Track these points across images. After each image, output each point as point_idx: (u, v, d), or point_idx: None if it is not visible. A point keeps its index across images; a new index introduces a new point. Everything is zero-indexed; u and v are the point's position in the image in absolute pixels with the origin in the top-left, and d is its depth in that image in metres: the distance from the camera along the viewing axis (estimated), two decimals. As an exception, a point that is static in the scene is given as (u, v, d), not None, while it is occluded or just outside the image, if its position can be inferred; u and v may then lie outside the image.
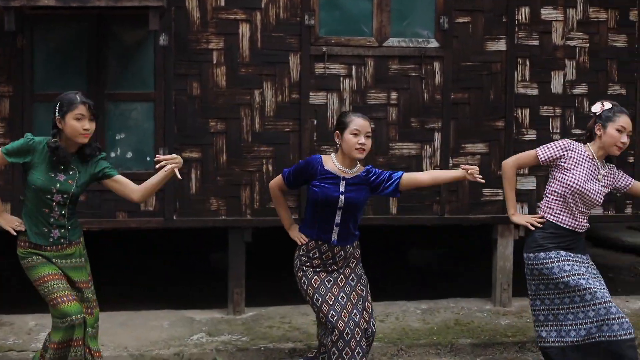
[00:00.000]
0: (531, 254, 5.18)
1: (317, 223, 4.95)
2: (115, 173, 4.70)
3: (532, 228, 5.20)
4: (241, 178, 6.37)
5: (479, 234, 10.35)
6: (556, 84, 6.76)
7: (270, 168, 6.39)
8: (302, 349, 5.81)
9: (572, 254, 5.15)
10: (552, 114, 6.77)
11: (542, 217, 5.19)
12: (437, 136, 6.61)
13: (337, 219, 4.89)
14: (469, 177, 4.86)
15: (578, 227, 5.17)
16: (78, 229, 4.73)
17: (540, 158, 5.18)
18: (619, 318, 4.97)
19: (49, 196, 4.52)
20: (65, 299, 4.51)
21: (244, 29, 6.31)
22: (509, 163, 5.29)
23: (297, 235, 5.05)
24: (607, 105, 5.18)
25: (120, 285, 7.69)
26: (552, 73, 6.74)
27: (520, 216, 5.40)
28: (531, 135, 6.75)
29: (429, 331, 6.23)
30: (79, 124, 4.47)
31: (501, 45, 6.66)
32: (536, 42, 6.72)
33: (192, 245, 9.20)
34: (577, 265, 5.12)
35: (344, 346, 4.72)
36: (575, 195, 5.11)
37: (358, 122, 4.82)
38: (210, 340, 5.91)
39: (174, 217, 6.31)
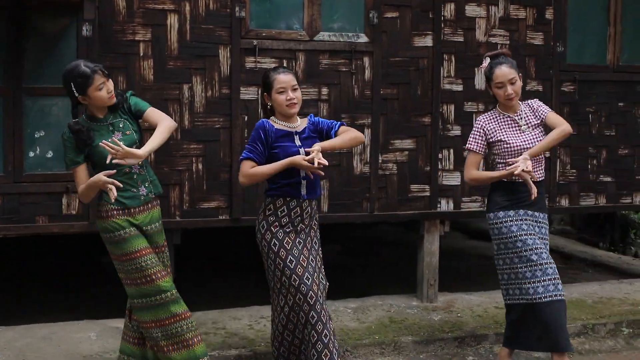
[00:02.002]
0: (491, 214, 5.30)
1: (284, 182, 4.77)
2: (146, 107, 4.67)
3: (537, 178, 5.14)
4: (170, 178, 6.02)
5: (363, 231, 10.48)
6: (479, 80, 6.82)
7: (200, 167, 6.08)
8: (248, 356, 5.57)
9: (530, 212, 5.24)
10: (476, 110, 6.84)
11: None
12: (367, 132, 6.51)
13: (302, 172, 4.74)
14: None
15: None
16: (157, 180, 4.75)
17: (476, 150, 5.26)
18: (558, 278, 5.18)
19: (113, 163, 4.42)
20: (160, 274, 4.53)
21: (172, 20, 5.95)
22: (471, 174, 5.31)
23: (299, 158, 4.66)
24: (486, 61, 5.35)
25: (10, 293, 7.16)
26: (476, 69, 6.79)
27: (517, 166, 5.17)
28: (456, 130, 6.79)
29: (368, 330, 6.14)
30: (103, 93, 4.44)
31: (428, 41, 6.65)
32: (461, 39, 6.76)
33: (84, 248, 8.72)
34: (532, 225, 5.23)
35: (309, 310, 4.65)
36: (513, 153, 5.20)
37: (281, 79, 4.76)
38: (148, 351, 5.56)
39: (99, 221, 5.89)
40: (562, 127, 5.23)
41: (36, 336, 5.73)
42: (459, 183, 6.82)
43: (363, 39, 6.46)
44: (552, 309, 5.15)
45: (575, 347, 6.26)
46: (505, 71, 5.20)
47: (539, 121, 5.33)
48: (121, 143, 4.34)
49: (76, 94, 4.46)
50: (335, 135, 4.87)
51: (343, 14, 6.42)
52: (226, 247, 9.53)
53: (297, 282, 4.66)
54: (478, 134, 5.29)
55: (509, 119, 5.29)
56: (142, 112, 4.65)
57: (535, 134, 5.28)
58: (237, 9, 6.07)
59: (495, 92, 5.26)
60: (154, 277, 4.50)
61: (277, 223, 4.78)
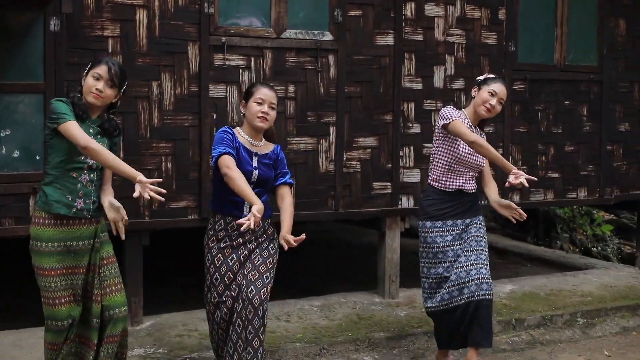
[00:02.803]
0: (419, 222, 5.44)
1: (228, 198, 4.69)
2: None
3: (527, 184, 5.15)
4: (139, 177, 5.86)
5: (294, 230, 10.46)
6: (438, 79, 6.94)
7: (169, 166, 5.95)
8: (229, 357, 5.49)
9: (459, 221, 5.36)
10: (434, 108, 6.95)
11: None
12: (332, 130, 6.53)
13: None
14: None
15: (464, 186, 5.38)
16: (99, 210, 4.41)
17: (455, 117, 5.21)
18: (478, 279, 5.23)
19: (82, 157, 4.29)
20: (62, 300, 4.31)
21: (141, 15, 5.80)
22: (475, 137, 5.15)
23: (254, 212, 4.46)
24: (490, 75, 5.47)
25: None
26: (435, 68, 6.92)
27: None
28: (416, 128, 6.88)
29: (340, 327, 6.15)
30: (93, 82, 4.33)
31: (389, 40, 6.72)
32: (420, 38, 6.85)
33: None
34: (457, 236, 5.35)
35: (226, 326, 4.72)
36: (460, 163, 5.32)
37: (263, 91, 4.75)
38: (125, 356, 5.41)
39: (67, 222, 5.68)
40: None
41: (5, 343, 5.49)
42: (419, 180, 6.92)
43: (328, 37, 6.47)
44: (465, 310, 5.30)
45: (537, 338, 6.49)
46: (501, 88, 5.33)
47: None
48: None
49: (86, 71, 4.41)
50: (279, 185, 4.82)
51: (309, 12, 6.41)
52: (194, 247, 9.35)
53: (215, 300, 4.73)
54: (456, 115, 5.24)
55: (472, 128, 5.38)
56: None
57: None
58: (205, 5, 5.97)
59: (481, 96, 5.31)
60: (52, 301, 4.30)
61: (214, 237, 4.76)
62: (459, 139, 5.26)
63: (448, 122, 5.23)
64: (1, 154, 5.46)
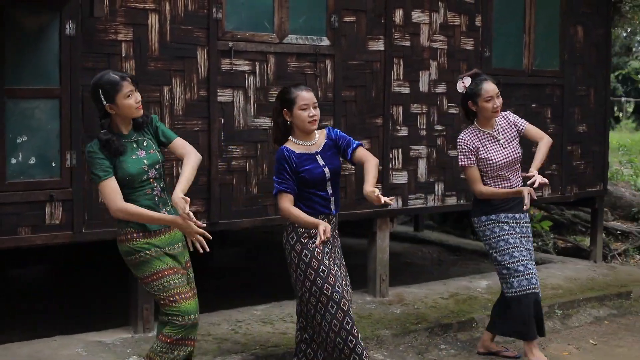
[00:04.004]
0: (475, 218, 5.78)
1: (314, 201, 4.89)
2: (173, 136, 4.60)
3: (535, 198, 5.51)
4: (151, 183, 5.82)
5: (265, 235, 10.52)
6: (423, 83, 7.18)
7: (180, 171, 5.91)
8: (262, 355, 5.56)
9: (510, 215, 5.72)
10: (420, 111, 7.18)
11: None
12: (329, 134, 6.65)
13: (330, 190, 4.93)
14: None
15: (513, 186, 5.73)
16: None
17: (471, 165, 5.67)
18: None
19: (145, 177, 4.40)
20: (184, 295, 4.38)
21: (153, 20, 5.76)
22: (481, 189, 5.68)
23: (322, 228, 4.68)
24: (467, 80, 5.73)
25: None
26: (420, 73, 7.15)
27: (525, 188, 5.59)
28: (404, 131, 7.09)
29: (347, 327, 6.29)
30: (131, 101, 4.34)
31: (380, 45, 6.90)
32: (408, 43, 7.06)
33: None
34: (513, 225, 5.74)
35: (343, 317, 4.79)
36: (496, 169, 5.67)
37: (304, 96, 4.84)
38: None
39: (83, 230, 5.58)
40: (546, 139, 5.81)
41: (20, 356, 5.34)
42: (406, 181, 7.13)
43: (325, 42, 6.58)
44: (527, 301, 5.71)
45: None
46: (492, 85, 5.64)
47: (516, 134, 5.78)
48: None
49: (104, 102, 4.32)
50: (352, 155, 5.00)
51: (308, 18, 6.50)
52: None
53: (329, 291, 4.77)
54: (467, 149, 5.66)
55: (488, 135, 5.70)
56: (169, 141, 4.58)
57: (513, 147, 5.75)
58: (214, 9, 5.98)
59: (483, 107, 5.62)
60: (177, 297, 4.40)
61: (306, 234, 4.86)
62: (477, 160, 5.69)
63: (462, 166, 5.73)
64: (17, 161, 5.31)
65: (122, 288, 6.09)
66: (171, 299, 4.37)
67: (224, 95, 6.10)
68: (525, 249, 5.76)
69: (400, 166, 7.09)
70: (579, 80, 8.36)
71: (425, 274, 8.63)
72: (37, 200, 5.39)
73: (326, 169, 4.89)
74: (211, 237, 4.35)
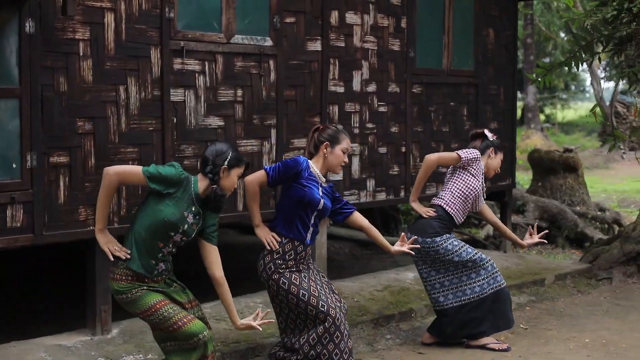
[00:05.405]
0: (428, 239, 6.04)
1: (296, 223, 5.13)
2: (214, 242, 4.68)
3: (426, 216, 6.05)
4: (108, 183, 5.75)
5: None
6: (356, 83, 7.41)
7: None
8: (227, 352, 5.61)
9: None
10: (353, 110, 7.42)
11: (435, 210, 6.09)
12: (273, 132, 6.78)
13: (312, 220, 5.22)
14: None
15: (460, 221, 6.24)
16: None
17: (463, 158, 6.01)
18: (497, 272, 6.20)
19: (172, 233, 4.39)
20: (185, 319, 4.43)
21: (109, 19, 5.70)
22: (433, 159, 5.97)
23: (267, 235, 5.13)
24: (489, 134, 6.34)
25: None
26: (354, 72, 7.38)
27: (419, 205, 6.10)
28: (339, 129, 7.30)
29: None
30: (236, 180, 4.70)
31: (318, 46, 7.08)
32: (342, 44, 7.28)
33: None
34: (457, 241, 6.16)
35: (334, 331, 5.09)
36: (475, 198, 6.12)
37: (349, 142, 5.31)
38: (122, 366, 5.35)
39: (44, 233, 5.47)
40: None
41: (8, 355, 5.19)
42: (342, 178, 7.35)
43: (269, 42, 6.70)
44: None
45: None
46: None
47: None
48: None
49: (225, 164, 4.59)
50: (346, 218, 5.40)
51: (253, 18, 6.60)
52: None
53: (314, 311, 5.05)
54: (473, 154, 6.08)
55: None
56: (209, 241, 4.67)
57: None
58: (166, 9, 5.98)
59: (493, 163, 6.27)
60: (180, 323, 4.47)
61: (284, 265, 5.11)
62: (478, 176, 6.22)
63: (458, 153, 6.23)
64: (-22, 163, 5.17)
65: (78, 291, 5.99)
66: (175, 326, 4.45)
67: (176, 95, 6.11)
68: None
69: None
70: (490, 79, 8.84)
71: (347, 269, 8.88)
72: (-3, 203, 5.26)
73: (322, 201, 5.16)
74: None
